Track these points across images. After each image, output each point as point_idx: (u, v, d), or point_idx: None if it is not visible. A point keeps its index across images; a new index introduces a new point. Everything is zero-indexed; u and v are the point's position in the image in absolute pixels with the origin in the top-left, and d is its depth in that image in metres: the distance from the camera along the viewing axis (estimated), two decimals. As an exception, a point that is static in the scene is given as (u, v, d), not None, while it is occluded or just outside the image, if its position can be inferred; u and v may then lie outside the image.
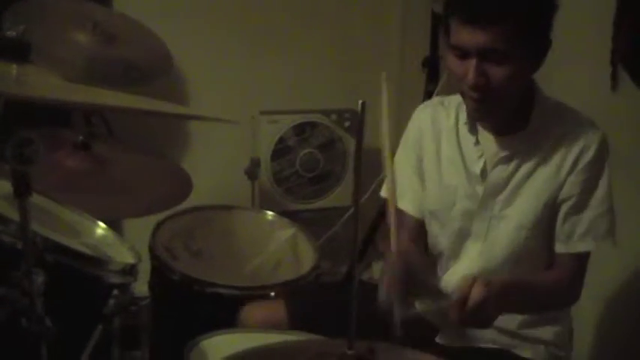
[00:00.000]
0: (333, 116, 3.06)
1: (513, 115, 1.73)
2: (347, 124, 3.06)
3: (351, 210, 3.00)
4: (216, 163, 3.03)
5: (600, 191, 1.72)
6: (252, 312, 1.92)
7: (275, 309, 1.90)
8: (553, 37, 1.65)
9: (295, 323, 1.83)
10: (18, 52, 1.44)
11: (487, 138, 1.77)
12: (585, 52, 2.35)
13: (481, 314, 1.48)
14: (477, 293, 1.46)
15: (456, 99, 1.81)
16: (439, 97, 1.91)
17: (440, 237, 1.87)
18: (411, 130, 1.91)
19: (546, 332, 1.84)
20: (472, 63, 1.61)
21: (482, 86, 1.62)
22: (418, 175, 1.88)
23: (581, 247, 1.74)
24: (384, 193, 1.92)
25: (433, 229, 1.88)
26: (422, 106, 1.94)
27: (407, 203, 1.89)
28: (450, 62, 1.67)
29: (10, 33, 1.52)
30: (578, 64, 2.34)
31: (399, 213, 1.88)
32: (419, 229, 1.90)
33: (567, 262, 1.75)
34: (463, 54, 1.63)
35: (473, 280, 1.48)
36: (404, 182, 1.89)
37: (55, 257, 1.60)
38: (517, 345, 1.83)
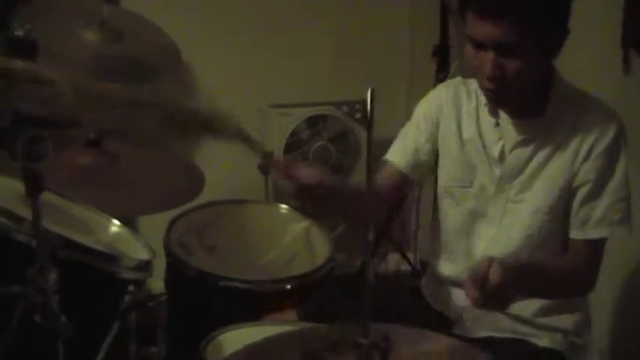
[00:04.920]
0: (344, 108, 3.05)
1: (532, 100, 1.73)
2: (358, 115, 3.05)
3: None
4: (228, 158, 3.01)
5: (616, 178, 1.71)
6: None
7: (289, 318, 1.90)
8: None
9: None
10: (25, 51, 1.43)
11: (507, 121, 1.77)
12: (597, 35, 2.33)
13: (499, 295, 1.47)
14: (495, 273, 1.45)
15: (476, 81, 1.80)
16: (460, 78, 1.90)
17: (452, 214, 1.87)
18: (428, 102, 1.91)
19: (564, 320, 1.83)
20: (489, 56, 1.61)
21: (499, 78, 1.63)
22: (423, 139, 1.89)
23: (596, 234, 1.72)
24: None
25: (445, 205, 1.88)
26: (444, 83, 1.95)
27: (394, 154, 1.93)
28: (467, 52, 1.67)
29: (17, 32, 1.52)
30: (590, 48, 2.32)
31: (382, 162, 1.92)
32: (397, 178, 1.92)
33: (582, 249, 1.74)
34: (479, 45, 1.63)
35: (490, 260, 1.47)
36: (400, 137, 1.94)
37: (69, 254, 1.61)
38: (534, 334, 1.82)
